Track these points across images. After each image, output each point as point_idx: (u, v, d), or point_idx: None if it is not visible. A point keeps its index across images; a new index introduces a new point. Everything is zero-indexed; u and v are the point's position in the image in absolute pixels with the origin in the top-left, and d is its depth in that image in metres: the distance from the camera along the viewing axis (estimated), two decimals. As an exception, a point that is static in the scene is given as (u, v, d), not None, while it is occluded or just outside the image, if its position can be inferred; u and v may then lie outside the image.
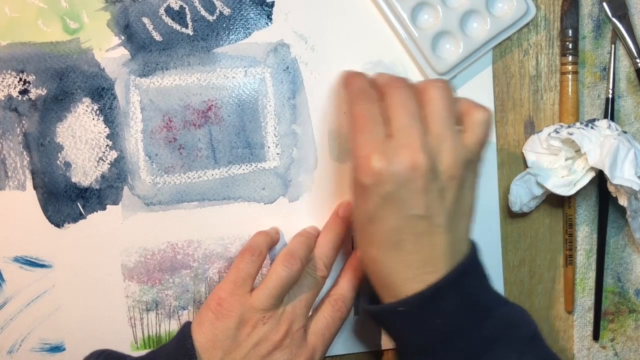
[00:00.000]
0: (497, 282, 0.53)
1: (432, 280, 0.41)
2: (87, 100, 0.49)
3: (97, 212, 0.50)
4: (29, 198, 0.49)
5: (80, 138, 0.49)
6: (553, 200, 0.53)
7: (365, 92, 0.43)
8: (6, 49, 0.48)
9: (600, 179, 0.52)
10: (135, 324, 0.52)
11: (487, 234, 0.52)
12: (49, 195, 0.50)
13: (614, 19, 0.51)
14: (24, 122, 0.49)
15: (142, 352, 0.47)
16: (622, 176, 0.46)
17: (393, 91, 0.42)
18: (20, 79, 0.48)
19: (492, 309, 0.42)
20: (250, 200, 0.51)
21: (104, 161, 0.50)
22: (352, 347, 0.53)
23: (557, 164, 0.50)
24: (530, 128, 0.53)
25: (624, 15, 0.51)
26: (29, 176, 0.49)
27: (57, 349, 0.51)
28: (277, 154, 0.51)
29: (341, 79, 0.48)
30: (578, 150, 0.50)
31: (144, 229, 0.50)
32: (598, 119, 0.49)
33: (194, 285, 0.52)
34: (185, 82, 0.50)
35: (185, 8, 0.49)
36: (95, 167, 0.50)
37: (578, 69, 0.52)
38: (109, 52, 0.49)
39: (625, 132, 0.48)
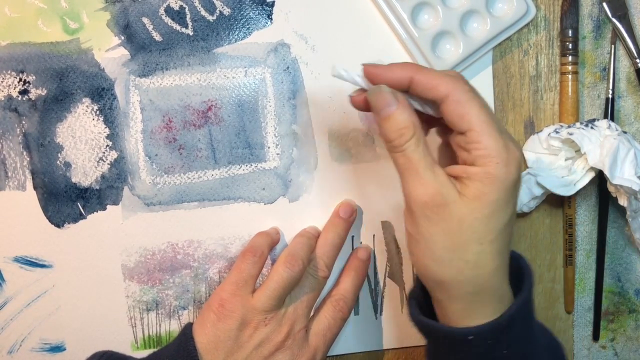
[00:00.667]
0: (497, 282, 0.53)
1: (503, 308, 0.39)
2: (87, 101, 0.49)
3: (97, 212, 0.50)
4: (29, 198, 0.49)
5: (80, 138, 0.49)
6: (553, 200, 0.53)
7: None
8: (6, 49, 0.48)
9: (600, 179, 0.52)
10: (135, 323, 0.52)
11: (487, 234, 0.52)
12: (49, 195, 0.50)
13: (613, 19, 0.51)
14: (24, 122, 0.49)
15: (143, 353, 0.47)
16: (622, 176, 0.46)
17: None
18: (20, 79, 0.48)
19: (538, 339, 0.41)
20: (250, 200, 0.51)
21: (104, 161, 0.50)
22: (353, 347, 0.53)
23: (557, 164, 0.50)
24: (530, 128, 0.53)
25: (623, 16, 0.51)
26: (29, 176, 0.49)
27: (57, 349, 0.51)
28: (277, 154, 0.51)
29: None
30: (578, 151, 0.50)
31: (144, 229, 0.50)
32: (598, 119, 0.49)
33: (194, 285, 0.52)
34: (185, 82, 0.50)
35: (185, 8, 0.49)
36: (95, 167, 0.50)
37: (578, 69, 0.52)
38: (109, 52, 0.49)
39: (625, 132, 0.48)
